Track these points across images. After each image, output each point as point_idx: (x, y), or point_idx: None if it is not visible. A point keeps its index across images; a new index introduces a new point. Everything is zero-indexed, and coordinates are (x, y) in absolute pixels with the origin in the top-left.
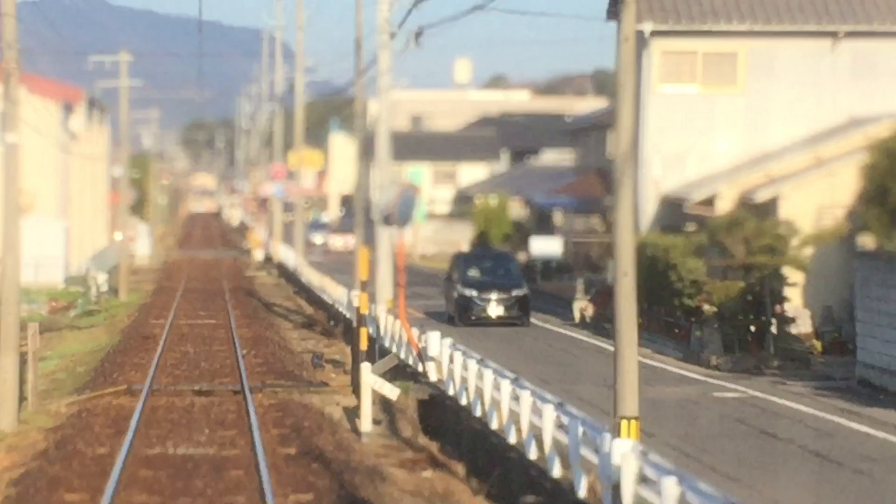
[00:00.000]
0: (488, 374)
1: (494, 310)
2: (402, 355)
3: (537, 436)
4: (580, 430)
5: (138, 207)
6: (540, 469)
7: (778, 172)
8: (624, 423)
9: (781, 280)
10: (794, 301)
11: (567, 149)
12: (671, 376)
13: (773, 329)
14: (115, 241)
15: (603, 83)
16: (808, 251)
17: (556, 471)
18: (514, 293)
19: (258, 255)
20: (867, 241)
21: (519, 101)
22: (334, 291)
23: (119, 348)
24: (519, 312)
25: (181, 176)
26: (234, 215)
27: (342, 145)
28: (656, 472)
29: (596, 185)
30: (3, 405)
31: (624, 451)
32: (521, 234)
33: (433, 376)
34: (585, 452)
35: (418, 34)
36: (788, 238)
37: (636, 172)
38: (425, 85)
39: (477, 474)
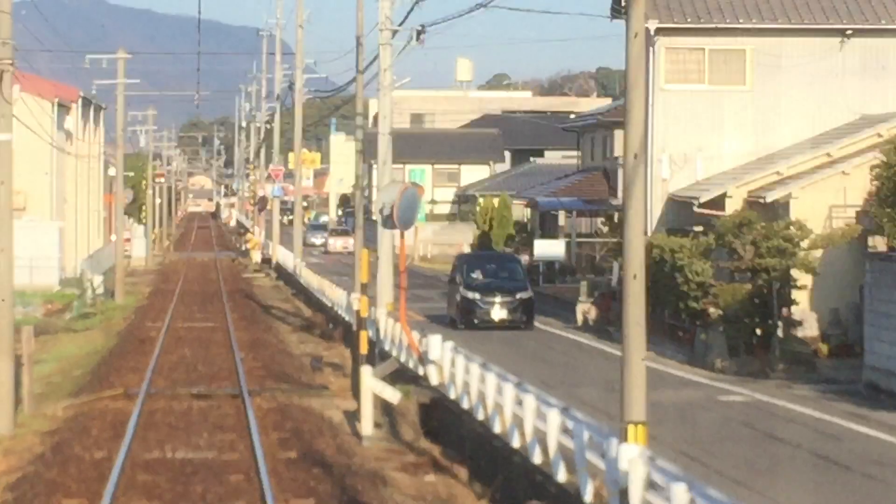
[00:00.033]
0: (491, 378)
1: (498, 313)
2: (403, 359)
3: (541, 440)
4: (586, 434)
5: (134, 208)
6: (545, 473)
7: (788, 172)
8: (631, 427)
9: (790, 282)
10: (801, 304)
11: (571, 148)
12: (675, 380)
13: (780, 332)
14: (111, 243)
15: (606, 82)
16: (818, 253)
17: (562, 475)
18: (519, 296)
19: (256, 256)
20: (878, 243)
21: (521, 100)
22: (333, 294)
23: (115, 351)
24: (523, 316)
25: (178, 176)
26: (231, 216)
27: (341, 145)
28: (665, 477)
29: (600, 186)
30: None
31: (631, 457)
32: (523, 235)
33: (434, 380)
34: (591, 457)
35: (420, 32)
36: (799, 240)
37: (647, 172)
38: (426, 84)
39: (479, 478)
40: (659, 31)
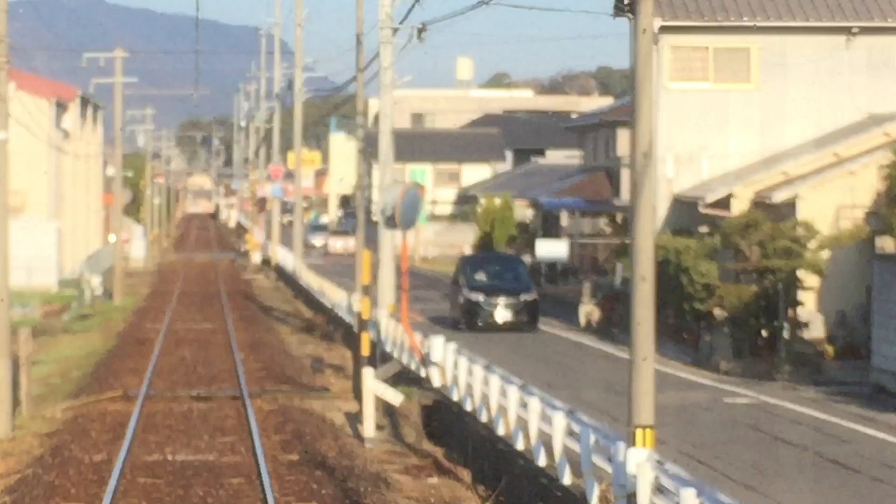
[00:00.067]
0: (494, 380)
1: (501, 315)
2: (405, 360)
3: (546, 442)
4: (592, 437)
5: (133, 208)
6: (550, 476)
7: (794, 172)
8: (639, 431)
9: (796, 284)
10: (808, 305)
11: (573, 148)
12: (680, 381)
13: (785, 334)
14: (110, 243)
15: (606, 81)
16: (825, 254)
17: (567, 479)
18: (523, 298)
19: (256, 257)
20: (887, 244)
21: (522, 99)
22: (334, 295)
23: (114, 352)
24: (527, 318)
25: (177, 176)
26: (231, 216)
27: (341, 144)
28: (674, 482)
29: (603, 186)
30: None
31: (640, 461)
32: (525, 235)
33: (437, 381)
34: (597, 460)
35: (421, 30)
36: (806, 241)
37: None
38: (427, 83)
39: (483, 481)
40: (663, 29)
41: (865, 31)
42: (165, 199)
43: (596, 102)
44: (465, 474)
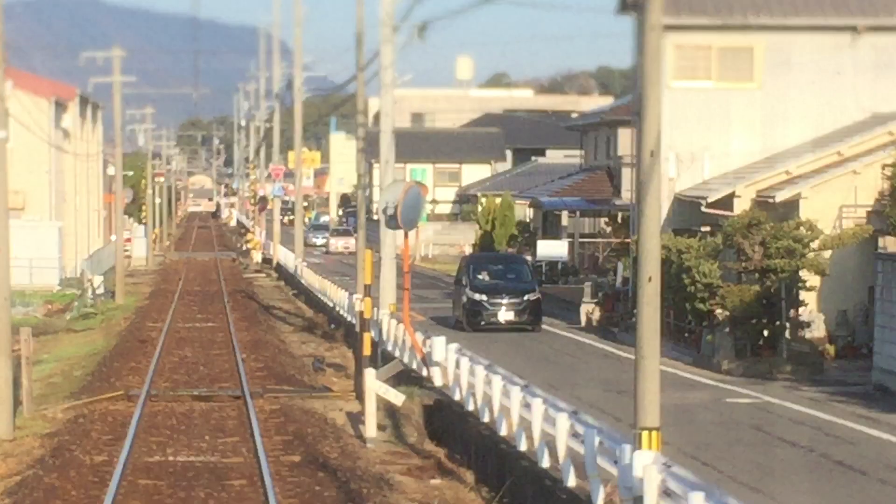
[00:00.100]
0: (497, 380)
1: (505, 315)
2: (406, 360)
3: (550, 444)
4: (597, 440)
5: (134, 208)
6: (553, 478)
7: (797, 171)
8: (645, 434)
9: (798, 283)
10: (809, 305)
11: (573, 147)
12: (682, 381)
13: (787, 333)
14: (111, 243)
15: (606, 81)
16: (827, 254)
17: (571, 481)
18: (526, 297)
19: (257, 256)
20: (890, 243)
21: (522, 98)
22: (335, 294)
23: (116, 352)
24: (530, 318)
25: (178, 175)
26: (231, 215)
27: (341, 144)
28: (682, 485)
29: (604, 185)
30: None
31: (646, 463)
32: (526, 235)
33: (438, 381)
34: (602, 462)
35: (422, 28)
36: (808, 240)
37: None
38: (426, 83)
39: (486, 482)
40: (667, 27)
41: (871, 29)
42: (166, 199)
43: (596, 102)
44: (468, 475)
